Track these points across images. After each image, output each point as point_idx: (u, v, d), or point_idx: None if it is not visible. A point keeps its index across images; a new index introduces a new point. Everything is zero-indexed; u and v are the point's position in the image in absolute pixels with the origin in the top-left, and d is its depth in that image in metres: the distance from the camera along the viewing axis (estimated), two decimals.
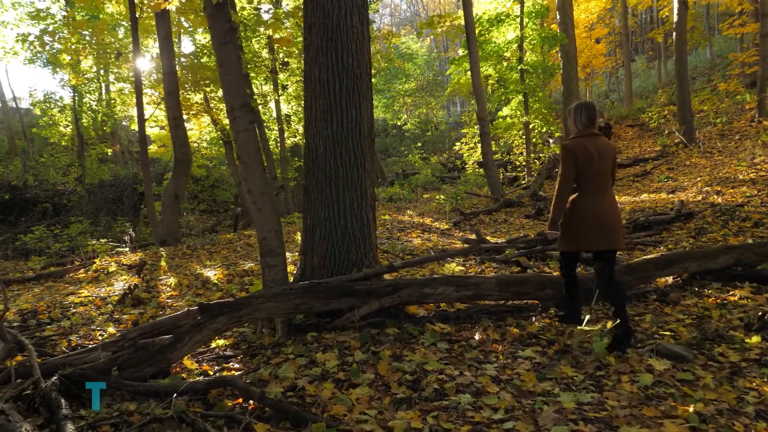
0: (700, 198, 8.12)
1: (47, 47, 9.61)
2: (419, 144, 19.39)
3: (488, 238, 6.95)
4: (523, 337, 3.21)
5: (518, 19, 12.90)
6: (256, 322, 3.64)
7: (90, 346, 3.78)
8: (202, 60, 10.53)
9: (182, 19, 10.23)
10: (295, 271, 4.04)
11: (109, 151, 17.42)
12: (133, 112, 20.54)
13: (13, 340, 3.27)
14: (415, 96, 25.02)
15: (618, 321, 2.94)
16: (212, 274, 6.08)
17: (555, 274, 3.92)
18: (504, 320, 3.53)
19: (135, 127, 19.17)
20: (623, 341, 2.95)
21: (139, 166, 20.30)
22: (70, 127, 17.26)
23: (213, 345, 3.48)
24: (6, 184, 16.71)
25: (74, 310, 4.86)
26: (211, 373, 3.06)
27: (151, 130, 16.32)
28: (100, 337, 3.95)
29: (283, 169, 13.74)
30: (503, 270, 5.25)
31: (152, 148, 16.82)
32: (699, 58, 27.38)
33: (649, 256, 4.12)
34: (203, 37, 12.31)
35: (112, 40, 11.55)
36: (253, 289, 4.24)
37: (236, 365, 3.13)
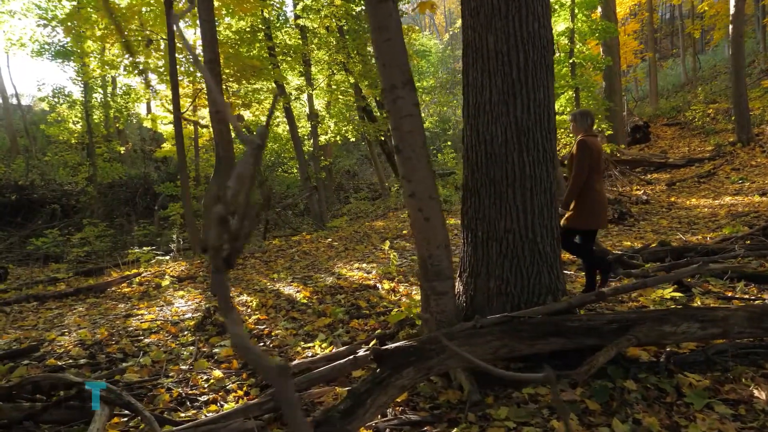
0: None
1: (72, 32, 8.61)
2: (449, 143, 18.52)
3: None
4: None
5: (570, 10, 12.08)
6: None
7: (199, 398, 2.89)
8: (241, 49, 9.57)
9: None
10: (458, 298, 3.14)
11: (122, 150, 16.38)
12: (140, 108, 19.53)
13: (120, 401, 2.37)
14: (433, 94, 24.15)
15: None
16: (293, 290, 5.17)
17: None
18: (761, 366, 2.67)
19: (147, 124, 18.14)
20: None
21: (151, 166, 19.33)
22: (80, 123, 16.18)
23: None
24: (12, 184, 15.58)
25: (146, 340, 3.94)
26: None
27: (165, 128, 15.30)
28: (205, 385, 3.04)
29: (315, 168, 12.83)
30: None
31: (165, 146, 15.83)
32: (717, 57, 26.75)
33: None
34: (235, 25, 11.38)
35: (135, 27, 10.57)
36: (392, 319, 3.35)
37: None
